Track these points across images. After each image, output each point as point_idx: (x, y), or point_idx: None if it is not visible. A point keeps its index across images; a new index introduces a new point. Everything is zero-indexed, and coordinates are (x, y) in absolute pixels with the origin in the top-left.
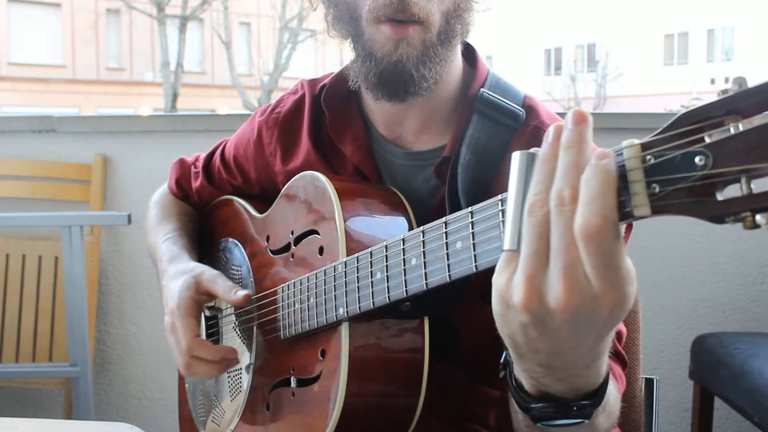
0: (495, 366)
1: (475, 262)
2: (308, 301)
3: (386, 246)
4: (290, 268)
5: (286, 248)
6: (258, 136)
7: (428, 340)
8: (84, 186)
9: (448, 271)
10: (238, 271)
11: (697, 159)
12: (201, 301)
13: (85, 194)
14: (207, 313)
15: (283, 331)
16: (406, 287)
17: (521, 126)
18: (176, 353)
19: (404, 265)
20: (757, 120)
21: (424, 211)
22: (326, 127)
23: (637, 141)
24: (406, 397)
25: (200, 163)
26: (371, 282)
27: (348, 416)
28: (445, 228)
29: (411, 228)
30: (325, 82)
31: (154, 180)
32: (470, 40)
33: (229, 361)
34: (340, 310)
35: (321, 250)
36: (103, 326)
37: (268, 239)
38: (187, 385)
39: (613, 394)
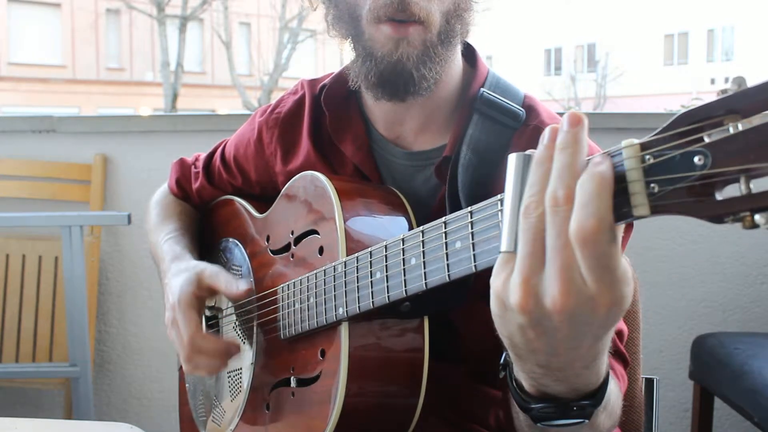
0: (495, 366)
1: (475, 261)
2: (308, 301)
3: (386, 246)
4: (290, 268)
5: (286, 248)
6: (258, 136)
7: (428, 339)
8: (84, 186)
9: (448, 271)
10: (238, 271)
11: (696, 159)
12: (202, 296)
13: (85, 194)
14: (207, 313)
15: (283, 331)
16: (405, 287)
17: (521, 126)
18: (178, 347)
19: (404, 265)
20: (756, 120)
21: (425, 211)
22: (326, 127)
23: (636, 141)
24: (406, 397)
25: (200, 164)
26: (371, 282)
27: (348, 416)
28: (445, 228)
29: (411, 228)
30: (325, 82)
31: (154, 180)
32: (470, 40)
33: (230, 353)
34: (340, 310)
35: (321, 250)
36: (103, 326)
37: (268, 239)
38: (187, 385)
39: (614, 393)
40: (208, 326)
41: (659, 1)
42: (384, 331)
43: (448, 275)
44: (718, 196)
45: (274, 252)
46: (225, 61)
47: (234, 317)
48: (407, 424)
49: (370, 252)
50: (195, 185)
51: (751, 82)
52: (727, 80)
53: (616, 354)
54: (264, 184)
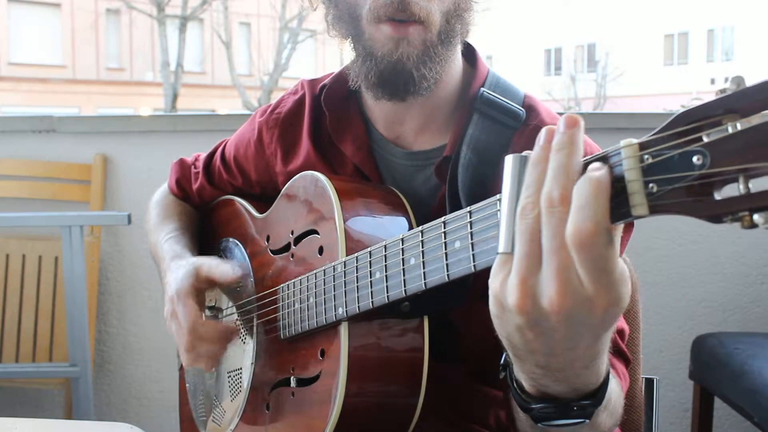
0: (495, 366)
1: (474, 261)
2: (308, 300)
3: (385, 246)
4: (290, 268)
5: (286, 248)
6: (258, 136)
7: (428, 339)
8: (84, 186)
9: (447, 271)
10: None
11: (695, 158)
12: (201, 288)
13: (85, 194)
14: (207, 313)
15: (283, 330)
16: (404, 287)
17: (521, 125)
18: (178, 337)
19: (403, 265)
20: (755, 119)
21: (425, 211)
22: (326, 127)
23: (634, 140)
24: (406, 396)
25: (200, 164)
26: (370, 282)
27: (348, 416)
28: (444, 228)
29: (411, 228)
30: (325, 82)
31: (154, 180)
32: (470, 40)
33: (230, 337)
34: (340, 310)
35: (321, 250)
36: (103, 326)
37: (268, 239)
38: (187, 385)
39: (615, 392)
40: None
41: (659, 1)
42: (384, 331)
43: (448, 275)
44: (717, 196)
45: (274, 252)
46: (225, 61)
47: (234, 317)
48: (407, 424)
49: (370, 252)
50: (195, 185)
51: (750, 81)
52: (726, 80)
53: (617, 353)
54: (264, 184)
